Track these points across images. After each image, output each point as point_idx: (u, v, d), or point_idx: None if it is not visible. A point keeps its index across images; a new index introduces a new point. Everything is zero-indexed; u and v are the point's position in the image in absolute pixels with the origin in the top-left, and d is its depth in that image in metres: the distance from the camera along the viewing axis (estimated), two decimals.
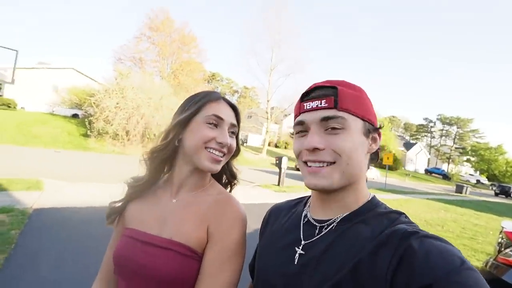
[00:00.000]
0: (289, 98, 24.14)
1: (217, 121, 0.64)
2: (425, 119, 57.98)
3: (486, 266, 2.49)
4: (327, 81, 0.54)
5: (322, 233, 0.52)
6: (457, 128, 52.19)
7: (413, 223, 0.49)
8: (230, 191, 0.76)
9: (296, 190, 8.75)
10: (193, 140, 0.63)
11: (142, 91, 13.72)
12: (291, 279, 0.50)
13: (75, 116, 17.69)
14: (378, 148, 0.56)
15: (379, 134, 0.55)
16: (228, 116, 0.66)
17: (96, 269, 2.60)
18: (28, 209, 3.59)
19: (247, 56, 24.66)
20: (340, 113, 0.49)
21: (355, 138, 0.50)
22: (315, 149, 0.49)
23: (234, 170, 0.76)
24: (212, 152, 0.63)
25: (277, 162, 9.36)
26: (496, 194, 25.42)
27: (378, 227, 0.47)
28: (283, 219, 0.62)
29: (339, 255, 0.47)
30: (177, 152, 0.67)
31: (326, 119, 0.49)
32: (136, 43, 26.02)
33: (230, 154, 0.68)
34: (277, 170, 9.92)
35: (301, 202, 0.65)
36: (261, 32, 27.68)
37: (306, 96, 0.53)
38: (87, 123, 13.36)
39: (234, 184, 0.77)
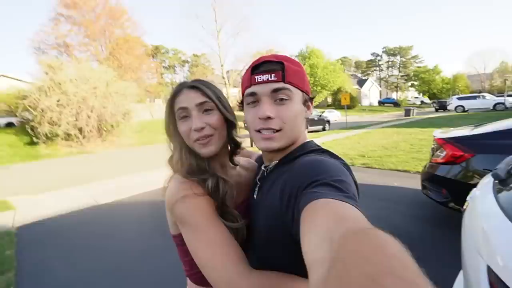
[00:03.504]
0: (242, 59, 23.51)
1: (184, 112, 0.65)
2: (373, 54, 61.02)
3: (425, 168, 3.18)
4: (273, 56, 0.61)
5: (266, 174, 0.67)
6: (400, 57, 56.17)
7: (324, 156, 0.58)
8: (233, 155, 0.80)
9: None
10: (185, 140, 0.68)
11: (83, 82, 12.29)
12: (253, 208, 0.68)
13: (10, 125, 15.48)
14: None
15: (311, 102, 0.66)
16: (190, 100, 0.65)
17: (105, 262, 2.85)
18: (10, 229, 3.47)
19: (189, 20, 22.81)
20: (287, 86, 0.58)
21: (296, 107, 0.60)
22: (267, 118, 0.58)
23: (237, 139, 0.77)
24: (198, 140, 0.65)
25: (246, 125, 9.57)
26: (436, 110, 29.19)
27: (297, 161, 0.57)
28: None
29: (275, 186, 0.58)
30: None
31: (275, 90, 0.58)
32: (54, 26, 22.17)
33: (217, 130, 0.67)
34: (246, 132, 10.18)
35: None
36: None
37: (256, 69, 0.60)
38: (29, 129, 11.88)
39: (239, 151, 0.80)
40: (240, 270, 0.54)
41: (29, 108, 11.48)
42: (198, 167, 0.66)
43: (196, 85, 0.67)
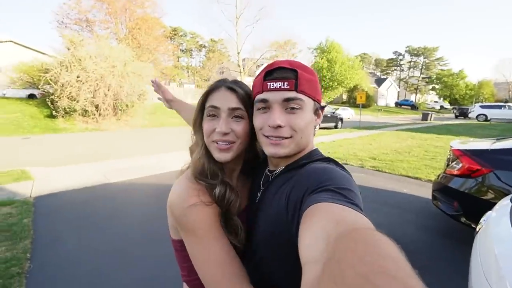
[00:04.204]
0: (260, 48, 23.18)
1: (214, 111, 0.64)
2: (395, 52, 58.77)
3: (438, 178, 3.10)
4: (288, 62, 0.60)
5: (270, 179, 0.65)
6: (424, 58, 53.84)
7: (328, 167, 0.55)
8: (249, 169, 0.77)
9: None
10: (204, 137, 0.66)
11: (102, 60, 12.50)
12: (254, 212, 0.66)
13: (31, 96, 16.06)
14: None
15: (322, 111, 0.66)
16: (224, 102, 0.63)
17: (110, 241, 2.96)
18: (28, 199, 3.68)
19: (209, 3, 22.56)
20: (299, 95, 0.58)
21: (307, 116, 0.60)
22: (278, 127, 0.57)
23: (258, 151, 0.75)
24: (217, 143, 0.63)
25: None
26: (456, 117, 28.04)
27: (304, 169, 0.57)
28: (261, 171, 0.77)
29: (280, 193, 0.57)
30: None
31: (287, 100, 0.57)
32: (78, 1, 22.44)
33: (240, 139, 0.65)
34: None
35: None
36: None
37: (269, 75, 0.59)
38: (49, 103, 12.30)
39: (256, 162, 0.77)
40: None
41: (50, 81, 11.83)
42: (210, 170, 0.64)
43: (235, 88, 0.64)
